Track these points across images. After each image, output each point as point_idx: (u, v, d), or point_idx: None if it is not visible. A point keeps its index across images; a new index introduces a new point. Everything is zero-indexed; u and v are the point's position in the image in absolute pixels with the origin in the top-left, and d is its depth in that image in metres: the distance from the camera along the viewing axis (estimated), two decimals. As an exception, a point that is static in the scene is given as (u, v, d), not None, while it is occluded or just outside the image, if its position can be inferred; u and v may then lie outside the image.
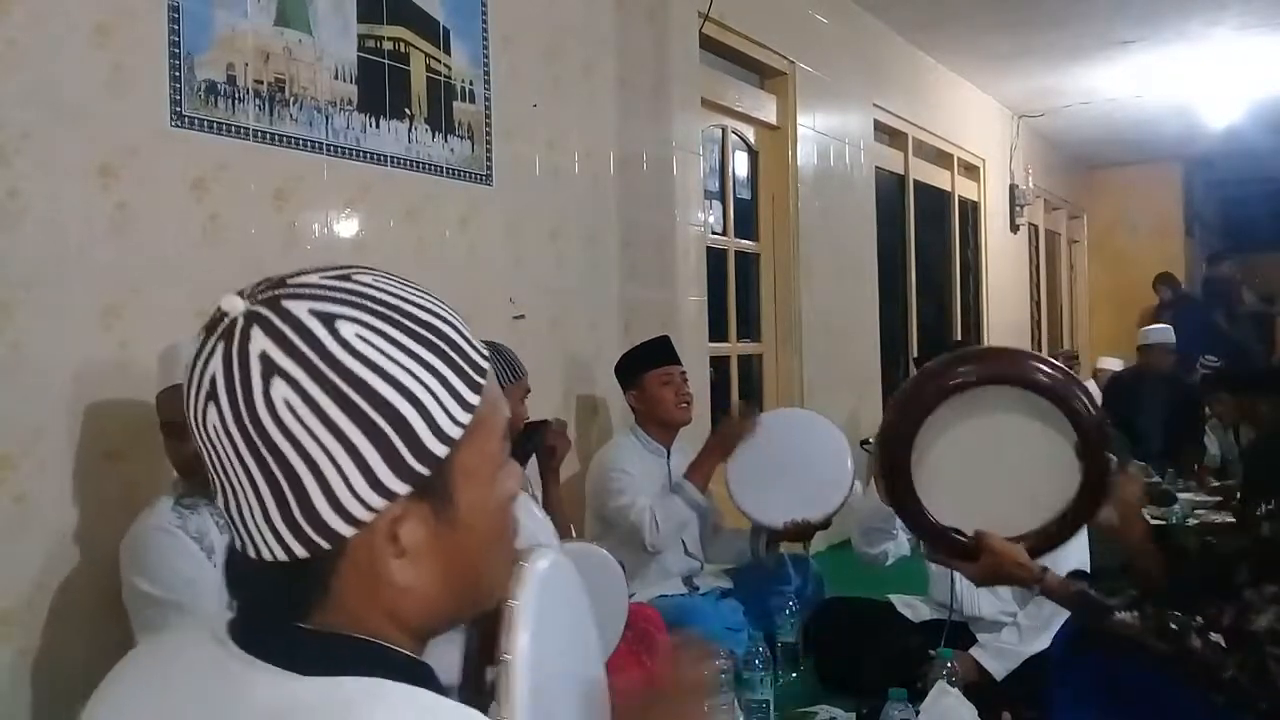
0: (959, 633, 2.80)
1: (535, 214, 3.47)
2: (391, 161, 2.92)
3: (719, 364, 4.74)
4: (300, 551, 0.71)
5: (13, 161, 2.07)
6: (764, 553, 3.41)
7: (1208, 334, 8.99)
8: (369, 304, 0.73)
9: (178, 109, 2.36)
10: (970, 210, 7.91)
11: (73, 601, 2.14)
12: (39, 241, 2.11)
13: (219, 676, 0.72)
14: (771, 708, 2.62)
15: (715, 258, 4.64)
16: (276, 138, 2.59)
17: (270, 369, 0.69)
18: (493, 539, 0.79)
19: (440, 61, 3.09)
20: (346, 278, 0.74)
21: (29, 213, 2.09)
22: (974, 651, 2.78)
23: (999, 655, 2.77)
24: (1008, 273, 8.53)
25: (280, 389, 0.69)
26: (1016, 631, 2.78)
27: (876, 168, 6.11)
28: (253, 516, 0.71)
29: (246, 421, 0.69)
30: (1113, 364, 7.41)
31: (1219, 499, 4.50)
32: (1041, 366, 1.91)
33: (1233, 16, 6.08)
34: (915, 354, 6.61)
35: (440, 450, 0.72)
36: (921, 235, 6.90)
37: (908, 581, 3.23)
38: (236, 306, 0.72)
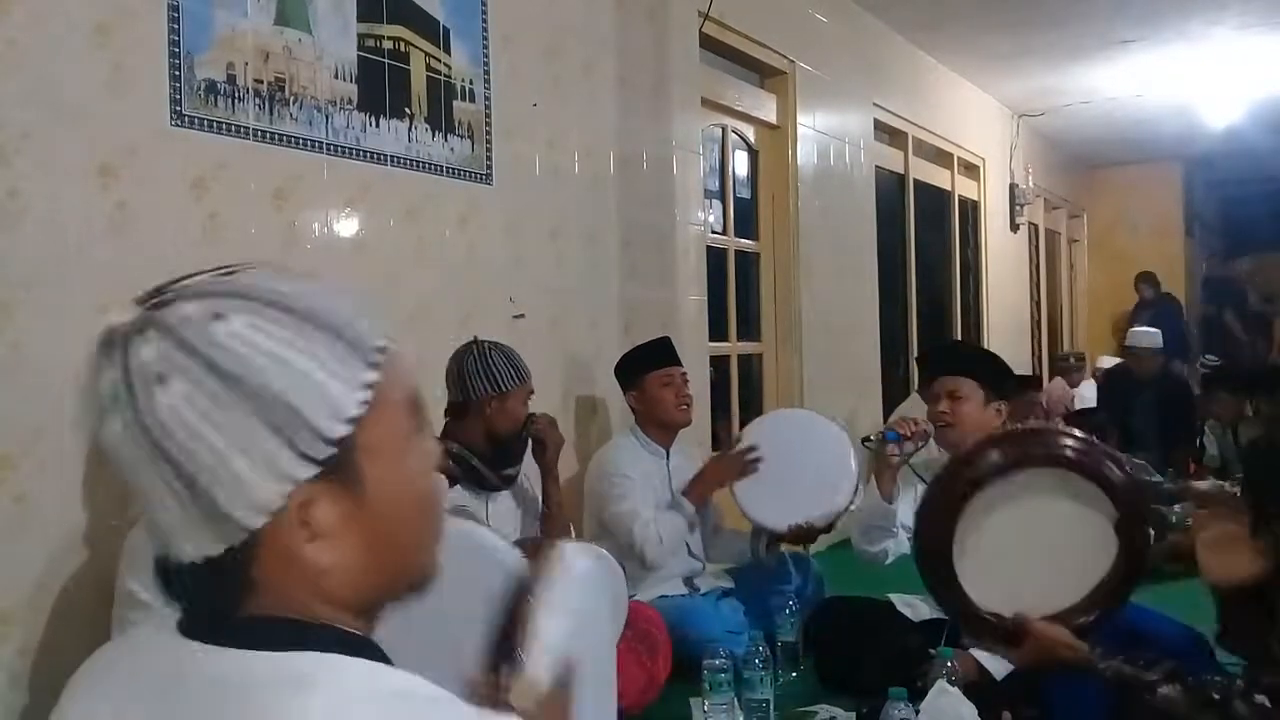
0: (959, 632, 2.80)
1: (535, 214, 3.47)
2: (391, 161, 2.92)
3: (719, 364, 4.74)
4: (216, 549, 0.73)
5: (13, 161, 2.07)
6: (764, 554, 3.41)
7: (1186, 332, 9.11)
8: (251, 297, 0.74)
9: (178, 108, 2.36)
10: (970, 210, 7.91)
11: (73, 601, 2.14)
12: (39, 241, 2.11)
13: (172, 659, 0.74)
14: (771, 707, 2.62)
15: (715, 257, 4.63)
16: (276, 137, 2.59)
17: (159, 372, 0.70)
18: (410, 513, 0.80)
19: (440, 61, 3.09)
20: (231, 275, 0.76)
21: (29, 213, 2.09)
22: (974, 651, 2.77)
23: (998, 654, 2.76)
24: (1008, 272, 8.52)
25: (170, 391, 0.70)
26: None
27: (876, 167, 6.11)
28: (167, 520, 0.73)
29: (141, 428, 0.70)
30: (1114, 363, 7.43)
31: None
32: (1068, 442, 1.91)
33: (1233, 16, 6.08)
34: (916, 355, 6.61)
35: (339, 430, 0.73)
36: (921, 235, 6.90)
37: (908, 580, 3.22)
38: (123, 317, 0.73)
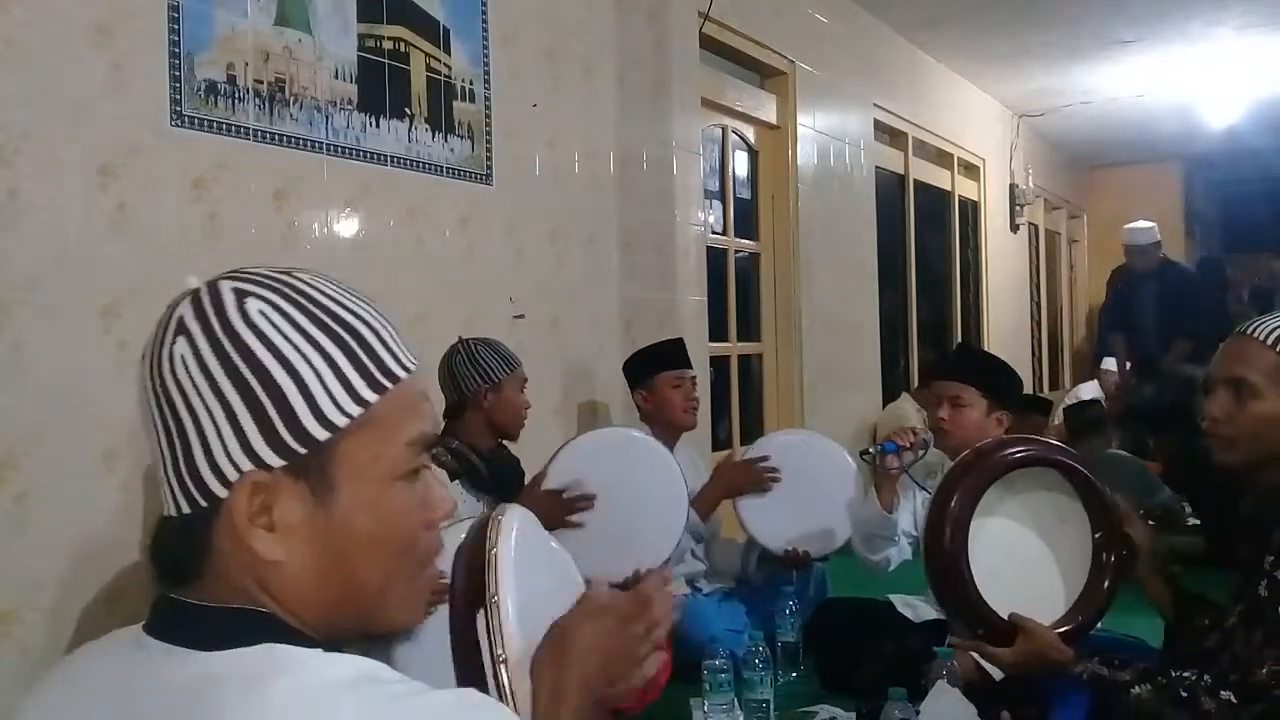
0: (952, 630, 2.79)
1: (535, 214, 3.47)
2: (391, 161, 2.92)
3: (719, 364, 4.74)
4: (185, 505, 0.77)
5: (13, 161, 2.07)
6: (754, 569, 3.40)
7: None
8: (287, 290, 0.78)
9: (178, 108, 2.36)
10: (970, 210, 7.91)
11: (73, 601, 2.14)
12: (39, 241, 2.11)
13: (133, 668, 0.76)
14: (771, 707, 2.62)
15: (715, 258, 4.63)
16: (276, 137, 2.59)
17: (179, 329, 0.76)
18: (380, 548, 0.79)
19: (440, 61, 3.09)
20: (288, 272, 0.80)
21: (29, 213, 2.09)
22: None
23: (984, 656, 2.75)
24: (1008, 272, 8.53)
25: (180, 346, 0.75)
26: None
27: (876, 167, 6.11)
28: (159, 468, 0.78)
29: (151, 372, 0.77)
30: (1115, 365, 7.42)
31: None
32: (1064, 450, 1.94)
33: (1234, 17, 6.08)
34: (916, 380, 6.61)
35: (319, 433, 0.76)
36: (921, 235, 6.90)
37: (908, 581, 3.22)
38: (191, 284, 0.79)
